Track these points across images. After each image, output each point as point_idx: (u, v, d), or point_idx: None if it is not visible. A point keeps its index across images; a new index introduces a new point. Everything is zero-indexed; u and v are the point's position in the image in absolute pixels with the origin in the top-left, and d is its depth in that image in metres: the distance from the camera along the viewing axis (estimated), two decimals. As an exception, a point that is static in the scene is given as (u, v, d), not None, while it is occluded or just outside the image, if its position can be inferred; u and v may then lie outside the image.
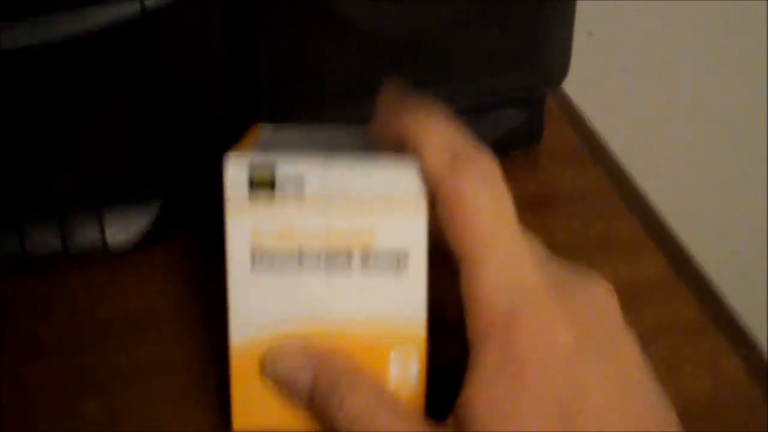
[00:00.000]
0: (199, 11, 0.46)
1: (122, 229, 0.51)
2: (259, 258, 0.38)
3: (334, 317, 0.38)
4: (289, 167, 0.37)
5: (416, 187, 0.37)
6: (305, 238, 0.37)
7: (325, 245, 0.37)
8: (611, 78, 0.85)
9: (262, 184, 0.37)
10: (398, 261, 0.38)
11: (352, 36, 0.50)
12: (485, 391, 0.34)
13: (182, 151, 0.49)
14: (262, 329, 0.38)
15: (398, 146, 0.37)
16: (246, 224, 0.38)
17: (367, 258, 0.38)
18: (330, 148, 0.40)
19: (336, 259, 0.38)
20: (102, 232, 0.50)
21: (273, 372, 0.38)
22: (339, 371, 0.37)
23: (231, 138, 0.48)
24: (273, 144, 0.41)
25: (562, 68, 0.57)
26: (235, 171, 0.37)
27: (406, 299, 0.38)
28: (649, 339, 0.48)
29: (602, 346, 0.35)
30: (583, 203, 0.58)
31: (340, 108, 0.52)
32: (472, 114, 0.58)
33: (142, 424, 0.44)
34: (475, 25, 0.53)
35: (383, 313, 0.38)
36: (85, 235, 0.50)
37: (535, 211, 0.57)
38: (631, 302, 0.50)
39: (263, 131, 0.43)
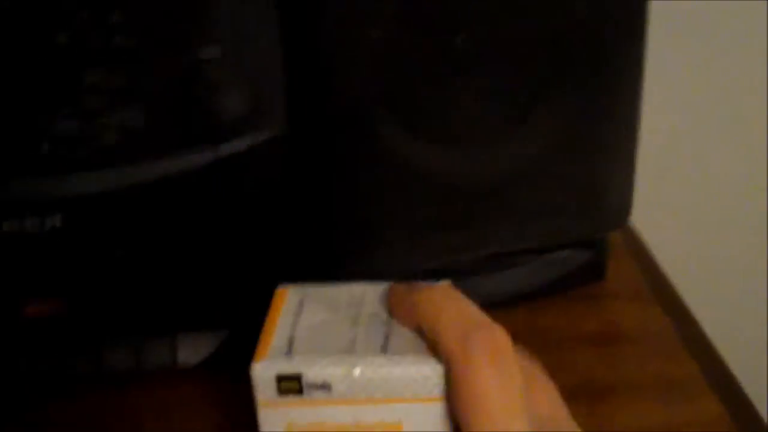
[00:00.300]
0: (266, 157, 0.49)
1: (192, 352, 0.53)
2: None
3: None
4: (314, 376, 0.39)
5: (436, 384, 0.38)
6: (336, 429, 0.39)
7: None
8: (680, 215, 0.86)
9: (291, 391, 0.39)
10: None
11: (416, 181, 0.53)
12: None
13: (248, 283, 0.52)
14: None
15: (415, 328, 0.40)
16: (278, 418, 0.40)
17: None
18: (356, 320, 0.42)
19: None
20: (173, 353, 0.53)
21: None
22: None
23: (294, 274, 0.51)
24: (300, 325, 0.42)
25: (622, 213, 0.59)
26: (263, 379, 0.39)
27: None
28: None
29: None
30: (643, 343, 0.58)
31: (401, 250, 0.55)
32: (534, 254, 0.59)
33: None
34: (537, 172, 0.55)
35: None
36: (158, 355, 0.53)
37: (593, 348, 0.58)
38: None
39: (289, 298, 0.44)
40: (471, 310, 0.39)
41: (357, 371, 0.38)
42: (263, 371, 0.39)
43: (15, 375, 0.52)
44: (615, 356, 0.57)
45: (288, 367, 0.39)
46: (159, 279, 0.51)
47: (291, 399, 0.39)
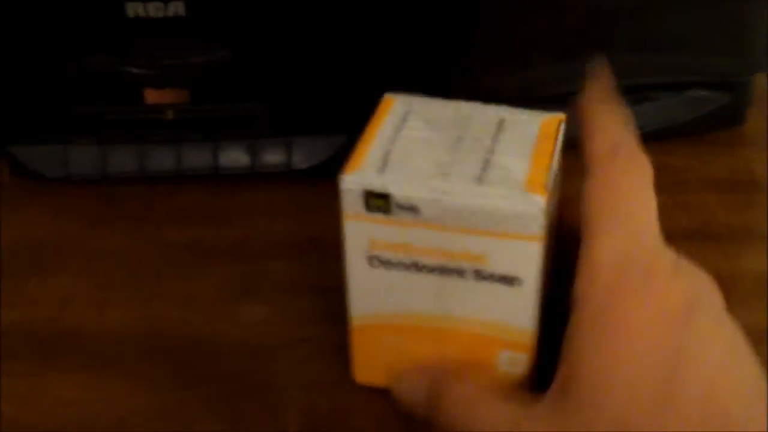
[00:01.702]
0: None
1: (307, 157, 0.54)
2: (375, 260, 0.39)
3: (447, 314, 0.40)
4: (403, 197, 0.37)
5: (529, 223, 0.37)
6: (420, 253, 0.39)
7: (440, 261, 0.38)
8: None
9: (378, 209, 0.38)
10: (511, 281, 0.38)
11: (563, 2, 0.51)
12: (585, 358, 0.34)
13: (368, 91, 0.51)
14: (378, 311, 0.41)
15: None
16: (363, 232, 0.39)
17: (480, 275, 0.38)
18: (458, 142, 0.40)
19: (450, 271, 0.39)
20: (289, 156, 0.53)
21: (397, 392, 0.41)
22: (446, 377, 0.39)
23: (415, 86, 0.50)
24: (399, 139, 0.40)
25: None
26: (351, 193, 0.38)
27: (517, 309, 0.39)
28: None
29: (713, 324, 0.34)
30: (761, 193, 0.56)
31: (536, 70, 0.53)
32: (671, 91, 0.57)
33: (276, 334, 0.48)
34: (685, 3, 0.52)
35: (494, 318, 0.39)
36: (273, 155, 0.54)
37: (719, 192, 0.56)
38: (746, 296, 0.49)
39: (394, 109, 0.42)
40: (632, 133, 0.38)
41: (447, 199, 0.37)
42: (352, 184, 0.38)
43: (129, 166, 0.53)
44: (740, 202, 0.55)
45: (377, 184, 0.38)
46: (278, 77, 0.51)
47: (377, 216, 0.38)
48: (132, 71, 0.50)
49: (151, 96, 0.51)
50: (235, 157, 0.53)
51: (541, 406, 0.36)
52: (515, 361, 0.40)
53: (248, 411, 0.43)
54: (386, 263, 0.39)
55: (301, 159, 0.54)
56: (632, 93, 0.56)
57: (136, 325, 0.47)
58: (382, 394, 0.42)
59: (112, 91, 0.51)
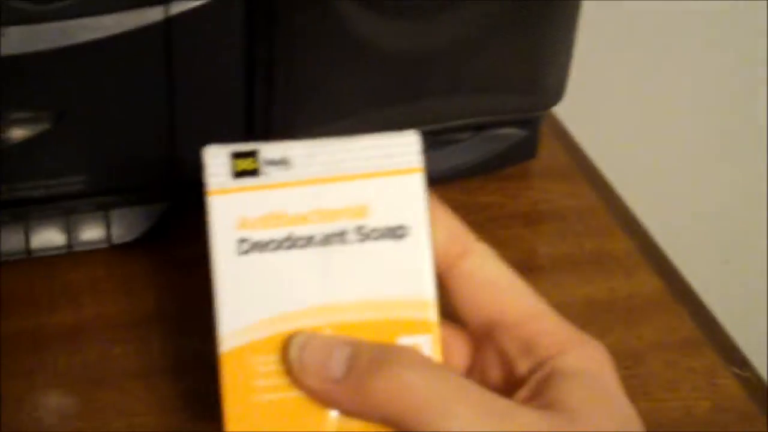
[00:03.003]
0: (219, 21, 0.47)
1: (127, 228, 0.51)
2: (246, 244, 0.35)
3: (332, 302, 0.35)
4: (272, 151, 0.35)
5: (413, 157, 0.36)
6: (295, 221, 0.35)
7: (317, 227, 0.35)
8: (603, 100, 0.86)
9: (245, 173, 0.35)
10: (398, 234, 0.35)
11: (362, 52, 0.51)
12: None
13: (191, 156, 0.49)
14: (254, 327, 0.35)
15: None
16: (230, 208, 0.35)
17: (363, 233, 0.35)
18: None
19: (330, 239, 0.35)
20: (107, 229, 0.50)
21: (299, 354, 0.34)
22: (382, 347, 0.34)
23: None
24: None
25: (558, 92, 0.59)
26: (216, 160, 0.35)
27: (410, 273, 0.35)
28: (647, 355, 0.49)
29: None
30: (576, 220, 0.58)
31: (349, 121, 0.53)
32: (472, 131, 0.59)
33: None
34: (479, 47, 0.54)
35: (387, 293, 0.35)
36: (90, 231, 0.50)
37: (529, 225, 0.58)
38: (629, 318, 0.51)
39: None
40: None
41: (318, 145, 0.35)
42: (216, 151, 0.35)
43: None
44: (549, 233, 0.57)
45: (243, 146, 0.35)
46: (93, 144, 0.48)
47: (245, 182, 0.35)
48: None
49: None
50: (49, 237, 0.50)
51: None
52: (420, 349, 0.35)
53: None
54: (258, 246, 0.35)
55: (120, 233, 0.51)
56: (437, 136, 0.58)
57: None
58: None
59: None
